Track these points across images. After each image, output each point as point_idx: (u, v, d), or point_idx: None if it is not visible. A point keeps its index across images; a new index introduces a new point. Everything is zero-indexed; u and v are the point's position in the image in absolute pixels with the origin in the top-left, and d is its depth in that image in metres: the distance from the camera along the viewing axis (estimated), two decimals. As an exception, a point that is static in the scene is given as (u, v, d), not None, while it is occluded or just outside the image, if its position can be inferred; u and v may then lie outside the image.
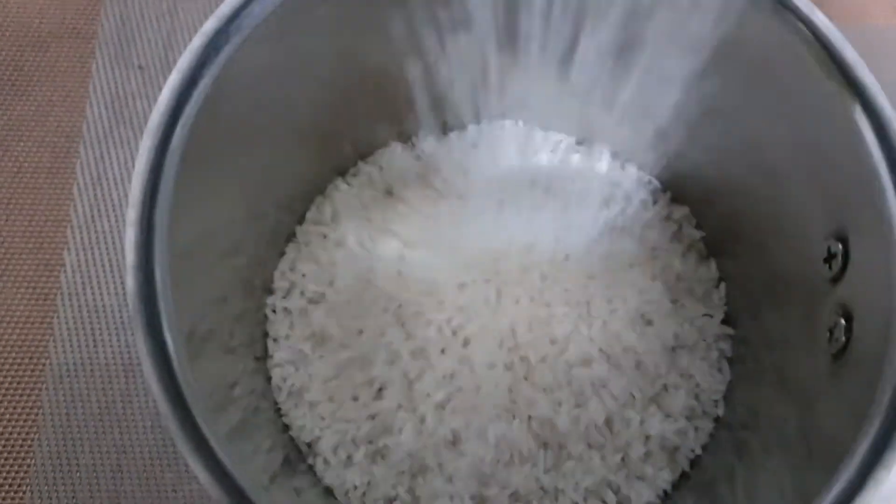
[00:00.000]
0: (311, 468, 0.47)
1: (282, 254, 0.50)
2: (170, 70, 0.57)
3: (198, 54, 0.34)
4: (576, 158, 0.52)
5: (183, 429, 0.31)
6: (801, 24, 0.37)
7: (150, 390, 0.32)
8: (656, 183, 0.52)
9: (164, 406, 0.31)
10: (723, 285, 0.50)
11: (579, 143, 0.53)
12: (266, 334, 0.49)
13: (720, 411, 0.47)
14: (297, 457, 0.47)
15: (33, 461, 0.50)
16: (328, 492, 0.46)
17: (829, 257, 0.38)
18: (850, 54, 0.36)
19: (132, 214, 0.33)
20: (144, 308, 0.32)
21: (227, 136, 0.38)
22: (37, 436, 0.50)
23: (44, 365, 0.52)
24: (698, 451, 0.47)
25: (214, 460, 0.31)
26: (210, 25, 0.35)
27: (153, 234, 0.33)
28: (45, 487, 0.50)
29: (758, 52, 0.39)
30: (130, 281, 0.32)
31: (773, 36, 0.37)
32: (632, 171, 0.52)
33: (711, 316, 0.49)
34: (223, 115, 0.37)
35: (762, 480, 0.41)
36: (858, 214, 0.36)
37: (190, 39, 0.58)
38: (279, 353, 0.48)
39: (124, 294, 0.53)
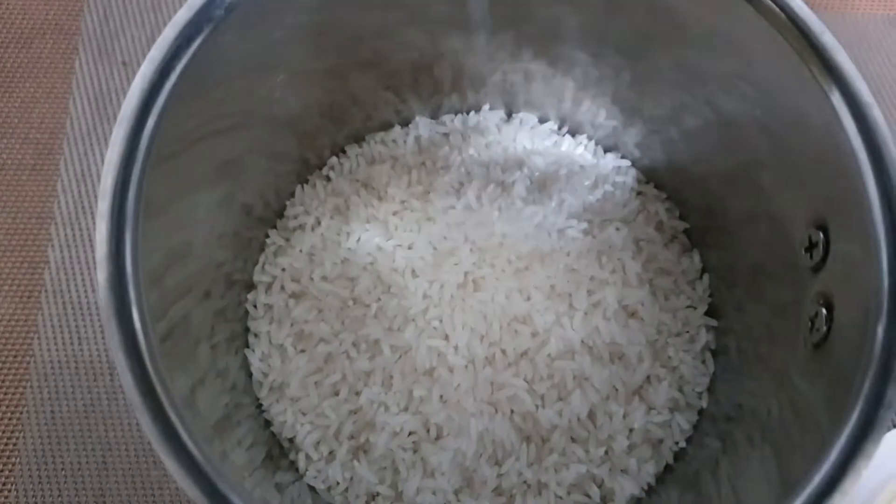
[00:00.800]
0: (293, 464, 0.46)
1: (262, 248, 0.50)
2: None
3: (170, 44, 0.34)
4: (558, 145, 0.52)
5: (155, 423, 0.31)
6: (777, 10, 0.36)
7: (122, 385, 0.31)
8: (638, 173, 0.52)
9: (136, 399, 0.31)
10: (706, 276, 0.49)
11: (560, 129, 0.53)
12: (247, 330, 0.48)
13: (704, 403, 0.47)
14: (279, 453, 0.47)
15: (18, 460, 0.50)
16: (311, 487, 0.46)
17: (811, 246, 0.38)
18: (828, 40, 0.35)
19: (103, 206, 0.32)
20: (115, 300, 0.31)
21: (201, 126, 0.38)
22: (21, 434, 0.50)
23: (28, 363, 0.52)
24: (682, 444, 0.47)
25: (188, 456, 0.31)
26: (182, 16, 0.35)
27: (124, 226, 0.32)
28: (31, 486, 0.49)
29: (736, 40, 0.38)
30: (101, 273, 0.32)
31: (750, 22, 0.37)
32: (613, 159, 0.52)
33: (695, 307, 0.48)
34: (197, 106, 0.36)
35: (746, 471, 0.41)
36: (838, 202, 0.36)
37: None
38: (260, 349, 0.47)
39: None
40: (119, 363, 0.31)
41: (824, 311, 0.36)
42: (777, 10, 0.36)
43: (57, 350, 0.52)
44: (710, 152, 0.46)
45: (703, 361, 0.48)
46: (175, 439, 0.31)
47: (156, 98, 0.34)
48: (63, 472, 0.50)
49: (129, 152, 0.33)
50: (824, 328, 0.36)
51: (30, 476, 0.50)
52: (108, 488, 0.50)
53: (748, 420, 0.43)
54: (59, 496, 0.49)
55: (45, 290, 0.53)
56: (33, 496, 0.49)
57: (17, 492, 0.49)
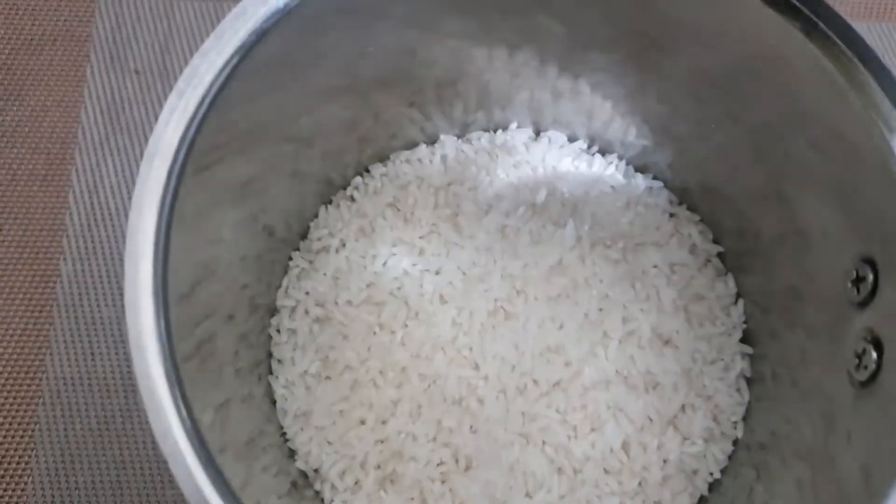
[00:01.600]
0: (318, 494, 0.46)
1: (285, 270, 0.49)
2: (167, 75, 0.58)
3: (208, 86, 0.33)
4: (589, 165, 0.51)
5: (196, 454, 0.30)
6: (831, 36, 0.35)
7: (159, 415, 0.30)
8: (670, 194, 0.51)
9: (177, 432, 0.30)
10: (741, 302, 0.48)
11: (590, 148, 0.52)
12: (271, 355, 0.47)
13: (739, 433, 0.46)
14: (304, 482, 0.46)
15: (30, 479, 0.49)
16: (336, 518, 0.45)
17: (858, 280, 0.37)
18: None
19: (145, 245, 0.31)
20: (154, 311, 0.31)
21: (231, 141, 0.37)
22: (34, 452, 0.49)
23: (40, 379, 0.51)
24: (717, 475, 0.46)
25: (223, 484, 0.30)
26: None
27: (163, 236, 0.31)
28: None
29: (781, 63, 0.37)
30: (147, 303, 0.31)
31: (798, 48, 0.35)
32: (644, 179, 0.51)
33: (730, 334, 0.48)
34: (226, 126, 0.36)
35: (781, 492, 0.41)
36: (889, 238, 0.35)
37: (187, 43, 0.58)
38: (284, 376, 0.47)
39: (122, 306, 0.52)
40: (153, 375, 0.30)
41: (873, 349, 0.35)
42: (829, 34, 0.35)
43: (70, 366, 0.51)
44: (746, 175, 0.45)
45: (738, 390, 0.47)
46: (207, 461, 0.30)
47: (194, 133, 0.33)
48: (77, 492, 0.49)
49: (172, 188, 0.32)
50: (873, 367, 0.35)
51: (42, 496, 0.49)
52: (123, 507, 0.49)
53: (783, 445, 0.43)
54: (73, 515, 0.48)
55: (58, 304, 0.52)
56: (47, 515, 0.48)
57: (30, 511, 0.48)
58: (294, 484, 0.45)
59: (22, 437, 0.50)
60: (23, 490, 0.49)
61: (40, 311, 0.52)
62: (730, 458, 0.46)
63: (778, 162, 0.41)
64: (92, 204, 0.55)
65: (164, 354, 0.30)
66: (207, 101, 0.33)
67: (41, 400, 0.50)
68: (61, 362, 0.51)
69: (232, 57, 0.34)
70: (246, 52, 0.34)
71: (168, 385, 0.30)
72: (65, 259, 0.53)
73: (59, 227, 0.54)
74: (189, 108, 0.33)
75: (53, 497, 0.49)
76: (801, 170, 0.40)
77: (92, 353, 0.51)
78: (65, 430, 0.50)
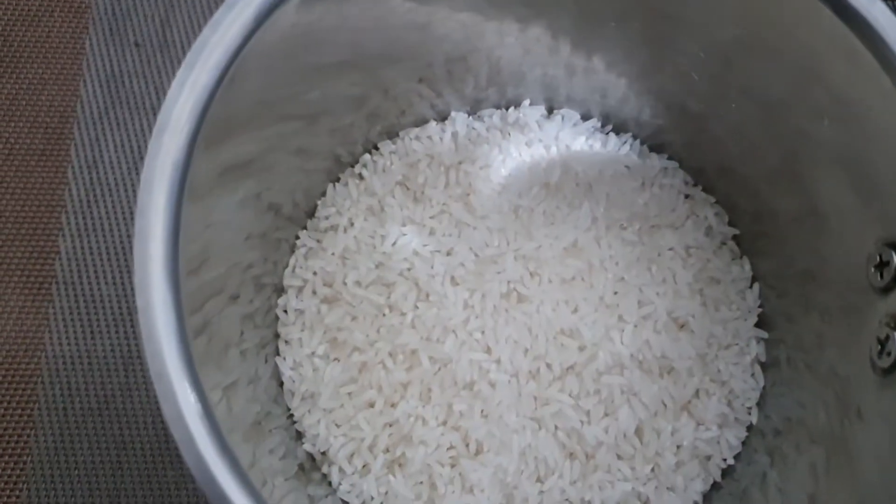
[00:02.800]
0: (325, 477, 0.45)
1: (292, 249, 0.48)
2: (167, 48, 0.57)
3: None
4: (603, 144, 0.50)
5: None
6: (857, 13, 0.34)
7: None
8: (685, 175, 0.50)
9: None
10: (756, 285, 0.48)
11: (604, 126, 0.51)
12: (278, 336, 0.47)
13: (754, 419, 0.46)
14: (311, 465, 0.45)
15: (30, 458, 0.49)
16: (344, 502, 0.45)
17: (881, 265, 0.36)
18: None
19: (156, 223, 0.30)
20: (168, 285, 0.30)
21: (237, 121, 0.36)
22: (33, 431, 0.49)
23: (39, 357, 0.50)
24: (731, 461, 0.45)
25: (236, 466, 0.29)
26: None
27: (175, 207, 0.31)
28: (43, 485, 0.48)
29: (806, 41, 0.36)
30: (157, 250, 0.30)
31: (824, 25, 0.34)
32: (660, 159, 0.50)
33: (745, 318, 0.47)
34: (236, 101, 0.34)
35: (794, 476, 0.41)
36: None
37: (188, 15, 0.57)
38: (291, 357, 0.46)
39: (122, 283, 0.52)
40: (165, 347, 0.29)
41: (896, 335, 0.35)
42: (857, 13, 0.34)
43: (69, 344, 0.51)
44: (765, 154, 0.44)
45: (753, 374, 0.46)
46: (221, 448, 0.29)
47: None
48: (76, 472, 0.49)
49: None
50: (896, 354, 0.35)
51: (42, 475, 0.48)
52: (122, 488, 0.49)
53: (797, 431, 0.42)
54: (72, 496, 0.48)
55: (56, 282, 0.52)
56: (45, 496, 0.48)
57: (29, 491, 0.48)
58: (301, 466, 0.44)
59: (21, 416, 0.49)
60: (22, 469, 0.48)
61: (39, 289, 0.52)
62: (743, 443, 0.46)
63: (793, 140, 0.41)
64: (91, 179, 0.54)
65: (177, 337, 0.29)
66: (218, 74, 0.32)
67: (40, 378, 0.50)
68: (60, 340, 0.51)
69: (245, 28, 0.33)
70: (259, 22, 0.33)
71: (181, 368, 0.29)
72: (63, 236, 0.53)
73: (57, 203, 0.53)
74: (199, 82, 0.32)
75: (53, 476, 0.48)
76: (816, 148, 0.39)
77: (91, 331, 0.51)
78: (64, 409, 0.49)
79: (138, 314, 0.29)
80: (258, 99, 0.37)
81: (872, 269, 0.37)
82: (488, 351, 0.44)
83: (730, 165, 0.47)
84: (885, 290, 0.36)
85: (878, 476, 0.35)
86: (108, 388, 0.50)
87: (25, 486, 0.48)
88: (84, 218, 0.53)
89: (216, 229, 0.39)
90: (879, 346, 0.36)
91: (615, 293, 0.46)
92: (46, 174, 0.54)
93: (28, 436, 0.49)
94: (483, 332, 0.45)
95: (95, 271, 0.52)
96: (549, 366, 0.44)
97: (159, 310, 0.29)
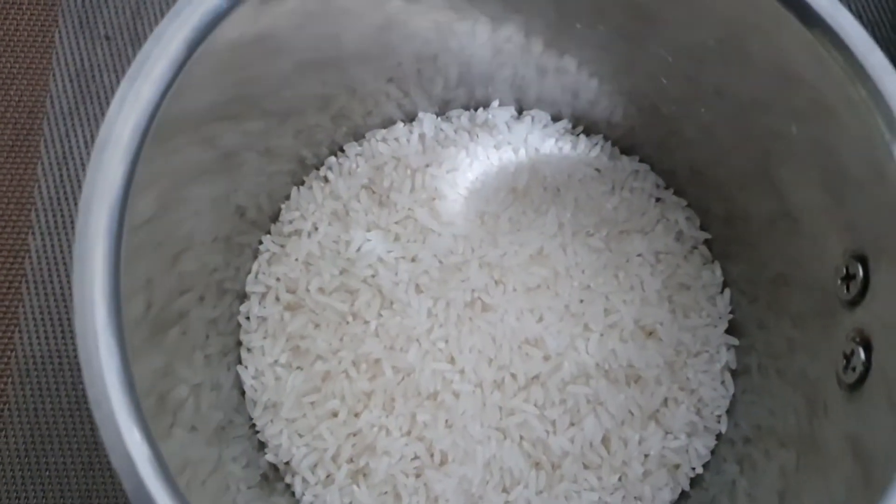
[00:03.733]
0: (289, 487, 0.45)
1: (255, 255, 0.47)
2: (138, 41, 0.56)
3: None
4: (573, 146, 0.49)
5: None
6: (822, 21, 0.33)
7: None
8: (657, 178, 0.49)
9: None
10: (727, 291, 0.47)
11: (574, 128, 0.50)
12: (240, 344, 0.46)
13: (723, 428, 0.45)
14: (274, 475, 0.45)
15: (0, 460, 0.48)
16: (308, 511, 0.44)
17: (847, 277, 0.36)
18: (878, 60, 0.32)
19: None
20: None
21: (192, 119, 0.35)
22: (3, 433, 0.48)
23: (9, 357, 0.50)
24: (699, 470, 0.45)
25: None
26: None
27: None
28: (14, 486, 0.48)
29: (778, 45, 0.35)
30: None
31: (793, 30, 0.34)
32: (630, 162, 0.49)
33: (715, 325, 0.46)
34: (191, 98, 0.34)
35: (764, 481, 0.40)
36: (882, 236, 0.33)
37: (159, 7, 0.56)
38: (253, 365, 0.45)
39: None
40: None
41: (861, 350, 0.34)
42: (824, 23, 0.33)
43: (40, 344, 0.50)
44: (736, 160, 0.43)
45: (723, 382, 0.46)
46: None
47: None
48: (47, 473, 0.48)
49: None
50: (861, 369, 0.34)
51: (12, 477, 0.48)
52: (94, 489, 0.48)
53: (766, 438, 0.42)
54: (43, 497, 0.48)
55: (27, 280, 0.51)
56: (16, 497, 0.48)
57: (0, 493, 0.48)
58: (265, 476, 0.44)
59: (-10, 417, 0.48)
60: (-8, 472, 0.48)
61: (8, 288, 0.51)
62: (712, 452, 0.45)
63: (766, 141, 0.40)
64: (61, 176, 0.53)
65: (118, 372, 0.29)
66: (163, 87, 0.31)
67: (10, 379, 0.49)
68: (31, 340, 0.50)
69: (190, 39, 0.32)
70: (206, 32, 0.32)
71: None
72: (33, 234, 0.52)
73: (27, 201, 0.52)
74: (142, 95, 0.31)
75: (24, 477, 0.48)
76: (789, 151, 0.38)
77: (63, 331, 0.50)
78: (35, 409, 0.49)
79: (77, 344, 0.29)
80: (215, 102, 0.37)
81: (839, 282, 0.36)
82: (452, 361, 0.44)
83: (702, 168, 0.47)
84: (852, 304, 0.35)
85: (851, 467, 0.34)
86: (80, 388, 0.48)
87: (-5, 487, 0.47)
88: (54, 215, 0.52)
89: (189, 225, 0.39)
90: (845, 362, 0.35)
91: (581, 301, 0.45)
92: (15, 171, 0.53)
93: (-2, 437, 0.48)
94: (447, 342, 0.44)
95: (66, 270, 0.51)
96: (513, 376, 0.44)
97: (101, 338, 0.29)
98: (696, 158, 0.46)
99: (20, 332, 0.50)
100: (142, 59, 0.31)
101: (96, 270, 0.29)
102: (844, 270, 0.36)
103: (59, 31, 0.55)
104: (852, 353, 0.35)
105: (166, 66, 0.31)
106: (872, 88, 0.32)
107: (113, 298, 0.29)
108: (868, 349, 0.34)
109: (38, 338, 0.50)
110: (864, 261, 0.35)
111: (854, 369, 0.34)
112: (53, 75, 0.55)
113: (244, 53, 0.36)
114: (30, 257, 0.51)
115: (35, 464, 0.48)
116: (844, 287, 0.36)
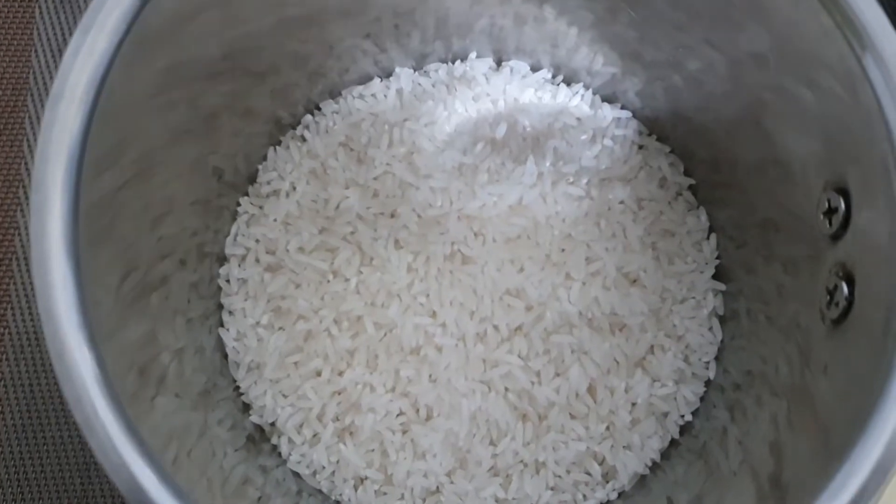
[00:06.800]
0: (275, 448, 0.45)
1: (234, 217, 0.47)
2: None
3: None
4: (553, 96, 0.48)
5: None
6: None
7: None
8: (639, 125, 0.49)
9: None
10: (713, 236, 0.46)
11: (554, 78, 0.49)
12: (221, 307, 0.46)
13: (712, 374, 0.45)
14: (260, 436, 0.45)
15: (-3, 436, 0.48)
16: (295, 472, 0.44)
17: (829, 211, 0.35)
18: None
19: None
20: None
21: (163, 74, 0.35)
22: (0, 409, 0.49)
23: (3, 334, 0.50)
24: (689, 417, 0.45)
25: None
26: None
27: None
28: (12, 462, 0.48)
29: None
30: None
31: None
32: (612, 109, 0.49)
33: (701, 271, 0.46)
34: (160, 54, 0.34)
35: (756, 430, 0.40)
36: (862, 168, 0.33)
37: None
38: (235, 327, 0.45)
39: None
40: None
41: (844, 284, 0.34)
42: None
43: (33, 321, 0.50)
44: (717, 102, 0.43)
45: (711, 328, 0.45)
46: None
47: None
48: (45, 448, 0.49)
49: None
50: (844, 303, 0.33)
51: (11, 453, 0.48)
52: (92, 462, 0.49)
53: (758, 385, 0.41)
54: (41, 472, 0.48)
55: (17, 257, 0.51)
56: (15, 472, 0.48)
57: (-1, 468, 0.48)
58: (251, 437, 0.44)
59: (-15, 394, 0.49)
60: (-10, 447, 0.48)
61: (-1, 265, 0.51)
62: (702, 399, 0.45)
63: (757, 91, 0.39)
64: (47, 152, 0.53)
65: (77, 320, 0.28)
66: (117, 39, 0.31)
67: (5, 356, 0.49)
68: (24, 317, 0.50)
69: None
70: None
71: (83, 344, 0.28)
72: (23, 210, 0.52)
73: (14, 178, 0.52)
74: (97, 48, 0.30)
75: (22, 454, 0.48)
76: (781, 99, 0.38)
77: (54, 306, 0.50)
78: (30, 386, 0.49)
79: (36, 296, 0.28)
80: (184, 54, 0.36)
81: (821, 216, 0.35)
82: (433, 315, 0.44)
83: (687, 114, 0.46)
84: (835, 238, 0.35)
85: (842, 419, 0.33)
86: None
87: (-7, 463, 0.48)
88: (41, 191, 0.52)
89: (173, 185, 0.39)
90: (828, 297, 0.35)
91: (562, 250, 0.44)
92: (1, 148, 0.53)
93: (-5, 414, 0.48)
94: (428, 296, 0.44)
95: (55, 245, 0.51)
96: (496, 327, 0.43)
97: (58, 290, 0.28)
98: (682, 105, 0.46)
99: (12, 308, 0.50)
100: (95, 9, 0.30)
101: (53, 223, 0.29)
102: (826, 204, 0.35)
103: (39, 5, 0.55)
104: (835, 287, 0.34)
105: (120, 17, 0.31)
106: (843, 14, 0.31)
107: (72, 249, 0.29)
108: (851, 283, 0.33)
109: (30, 314, 0.50)
110: (845, 194, 0.34)
111: (837, 304, 0.34)
112: (35, 51, 0.54)
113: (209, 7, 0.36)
114: (19, 234, 0.51)
115: (32, 439, 0.49)
116: (827, 221, 0.35)
